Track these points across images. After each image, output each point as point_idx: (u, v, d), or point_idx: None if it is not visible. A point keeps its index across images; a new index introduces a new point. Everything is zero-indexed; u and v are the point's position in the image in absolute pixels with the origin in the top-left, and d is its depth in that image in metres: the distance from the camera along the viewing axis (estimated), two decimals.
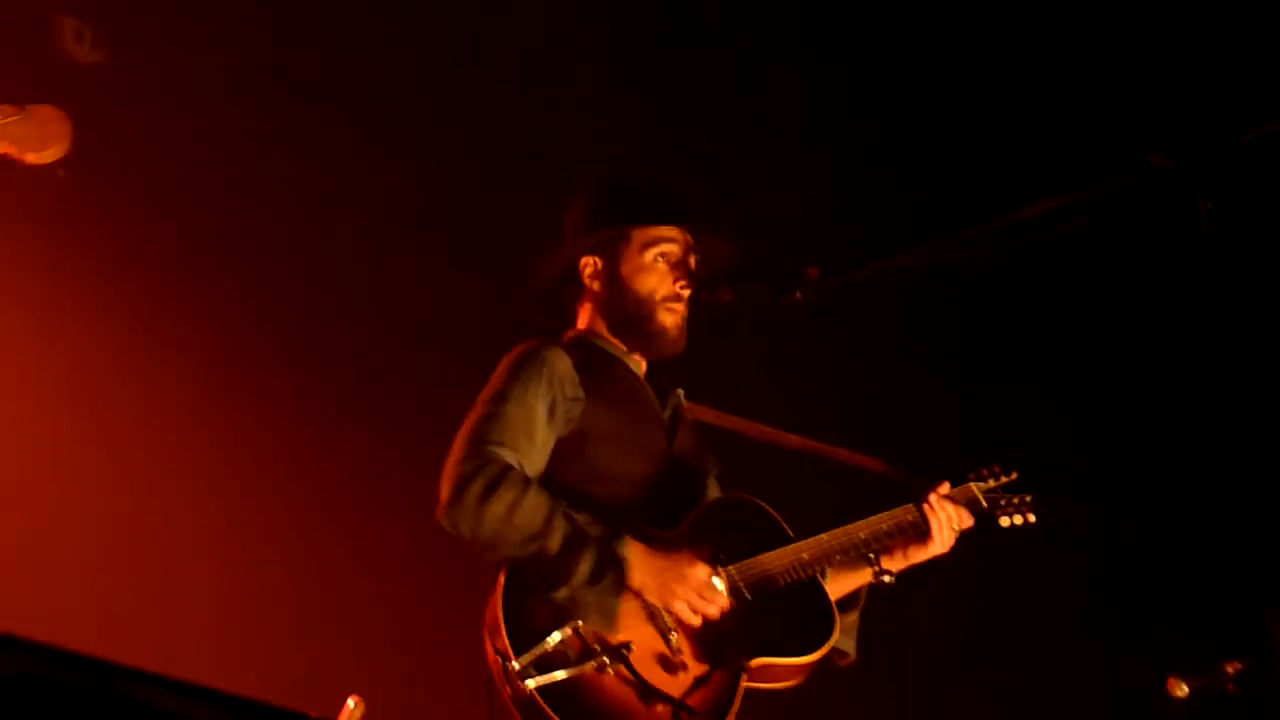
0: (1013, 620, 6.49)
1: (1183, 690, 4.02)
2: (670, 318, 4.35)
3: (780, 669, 4.08)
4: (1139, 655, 5.95)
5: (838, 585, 4.38)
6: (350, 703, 3.86)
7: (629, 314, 4.36)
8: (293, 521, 5.97)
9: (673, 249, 4.38)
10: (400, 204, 6.16)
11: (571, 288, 4.48)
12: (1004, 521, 4.49)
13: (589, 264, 4.40)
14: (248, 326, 6.00)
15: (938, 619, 6.28)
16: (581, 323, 4.48)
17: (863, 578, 4.40)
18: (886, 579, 4.33)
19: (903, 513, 4.36)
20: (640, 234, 4.38)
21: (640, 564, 3.98)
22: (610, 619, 3.89)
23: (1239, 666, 3.99)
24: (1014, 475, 4.55)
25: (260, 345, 6.01)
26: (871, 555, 4.32)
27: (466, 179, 6.26)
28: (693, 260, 4.40)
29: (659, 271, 4.36)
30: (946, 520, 4.33)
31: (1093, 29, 6.24)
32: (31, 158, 3.99)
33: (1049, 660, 6.42)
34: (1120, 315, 6.36)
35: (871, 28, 6.56)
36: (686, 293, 4.36)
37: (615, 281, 4.38)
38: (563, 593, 3.89)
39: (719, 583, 4.03)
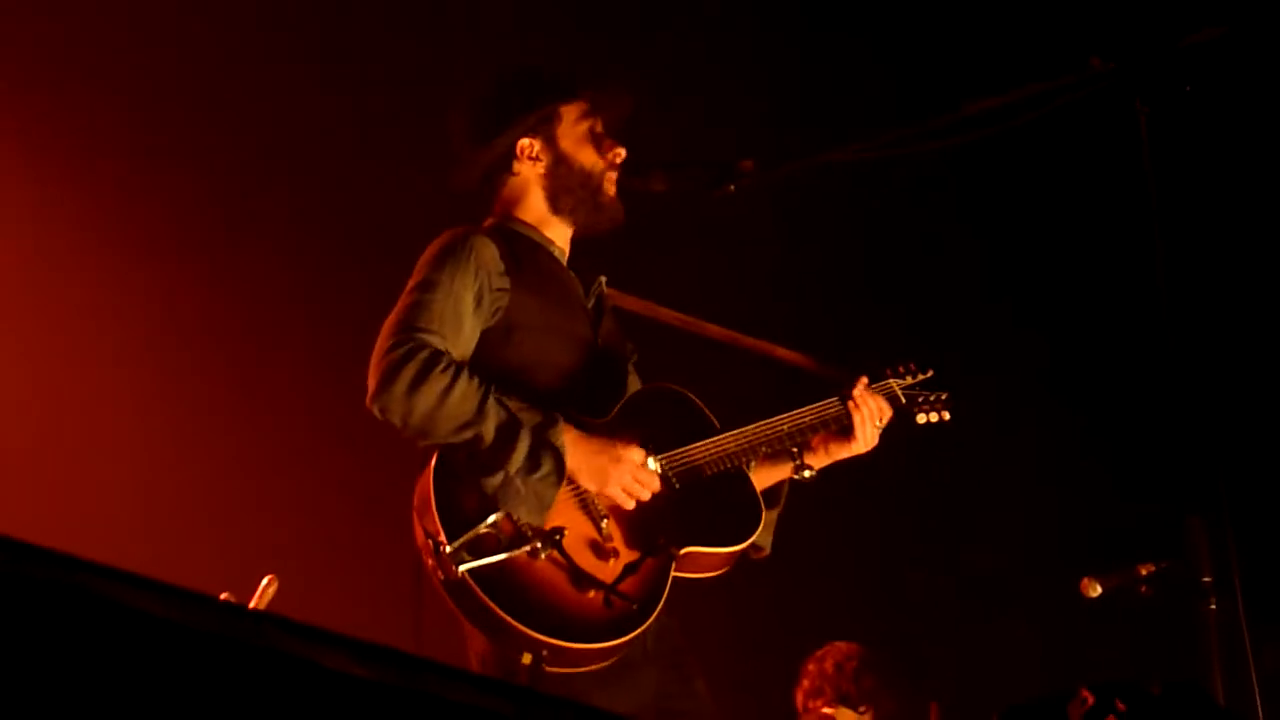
0: (932, 521, 6.56)
1: (1096, 590, 4.06)
2: (612, 186, 4.37)
3: (707, 558, 4.09)
4: (1055, 555, 6.02)
5: (759, 479, 4.36)
6: (264, 580, 4.02)
7: (577, 188, 4.34)
8: (218, 403, 5.98)
9: (600, 119, 4.40)
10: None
11: (491, 182, 4.44)
12: (920, 419, 4.52)
13: (528, 146, 4.36)
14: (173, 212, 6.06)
15: (858, 518, 6.33)
16: (502, 208, 4.43)
17: (784, 472, 4.39)
18: (807, 474, 4.30)
19: (825, 406, 4.37)
20: (570, 110, 4.37)
21: (575, 449, 3.96)
22: (544, 509, 3.87)
23: (1153, 568, 4.03)
24: (929, 373, 4.58)
25: (188, 235, 6.08)
26: (795, 449, 4.31)
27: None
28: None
29: (598, 141, 4.37)
30: (869, 414, 4.34)
31: None
32: None
33: (964, 561, 6.50)
34: (1055, 216, 6.39)
35: None
36: (622, 156, 4.38)
37: (560, 158, 4.35)
38: (497, 479, 3.85)
39: (653, 464, 4.03)
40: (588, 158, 4.35)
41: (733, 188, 4.31)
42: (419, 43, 6.30)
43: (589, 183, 4.35)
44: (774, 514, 4.41)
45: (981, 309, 6.46)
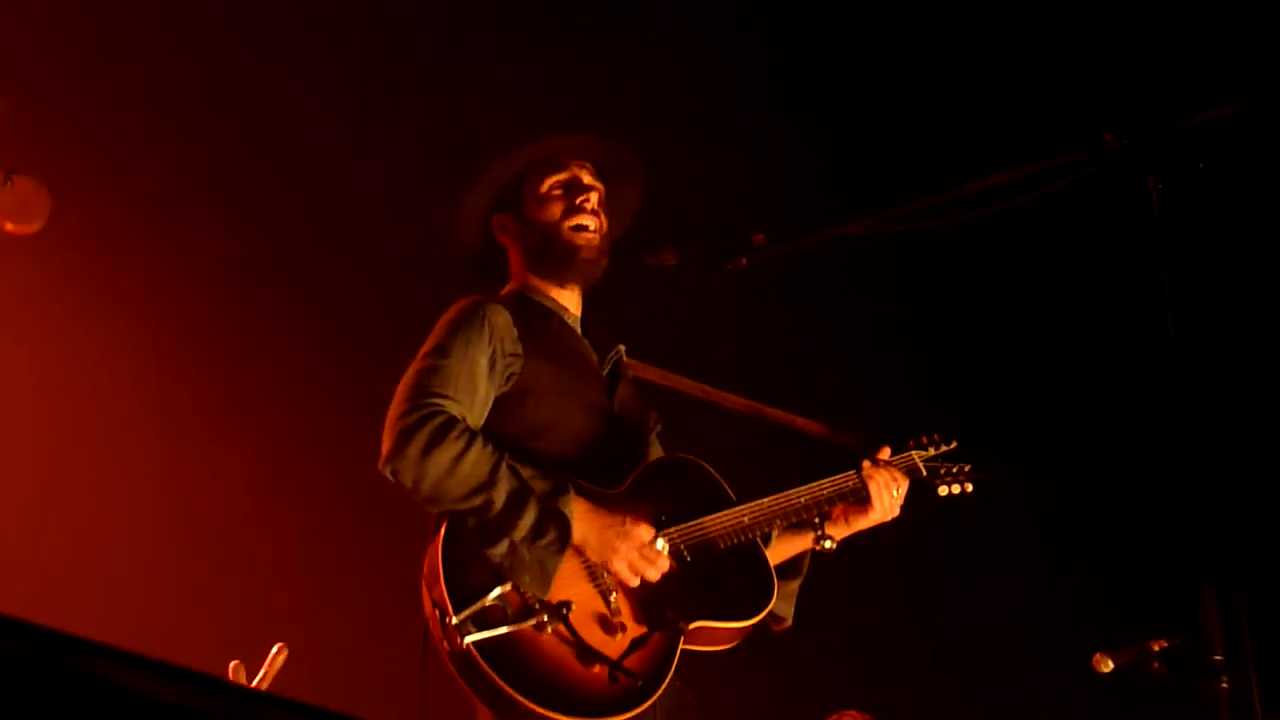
0: (947, 592, 6.53)
1: (1108, 666, 4.03)
2: (580, 235, 4.36)
3: (717, 632, 4.05)
4: (1070, 630, 5.96)
5: (780, 550, 4.36)
6: (274, 649, 4.08)
7: (542, 246, 4.37)
8: (227, 470, 5.94)
9: (562, 175, 4.40)
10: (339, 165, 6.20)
11: (495, 250, 4.51)
12: (942, 491, 4.51)
13: (500, 223, 4.45)
14: (183, 279, 6.03)
15: (874, 588, 6.28)
16: (514, 279, 4.48)
17: (806, 542, 4.37)
18: (827, 544, 4.28)
19: (843, 479, 4.34)
20: (533, 175, 4.41)
21: (583, 521, 3.94)
22: (547, 579, 3.84)
23: (1165, 644, 4.02)
24: (953, 445, 4.56)
25: (194, 302, 6.04)
26: (816, 520, 4.29)
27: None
28: (586, 175, 4.44)
29: (556, 197, 4.37)
30: (885, 485, 4.32)
31: (1050, 4, 6.25)
32: (10, 227, 4.12)
33: (976, 635, 6.46)
34: (1068, 291, 6.36)
35: None
36: (590, 204, 4.38)
37: (526, 224, 4.40)
38: (502, 547, 3.84)
39: (661, 544, 4.00)
40: (547, 214, 4.37)
41: (744, 261, 4.36)
42: (435, 113, 6.31)
43: (548, 236, 4.36)
44: (795, 584, 4.40)
45: (994, 384, 6.43)
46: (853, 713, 5.63)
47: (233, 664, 4.17)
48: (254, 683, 4.11)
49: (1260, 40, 5.72)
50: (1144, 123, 3.95)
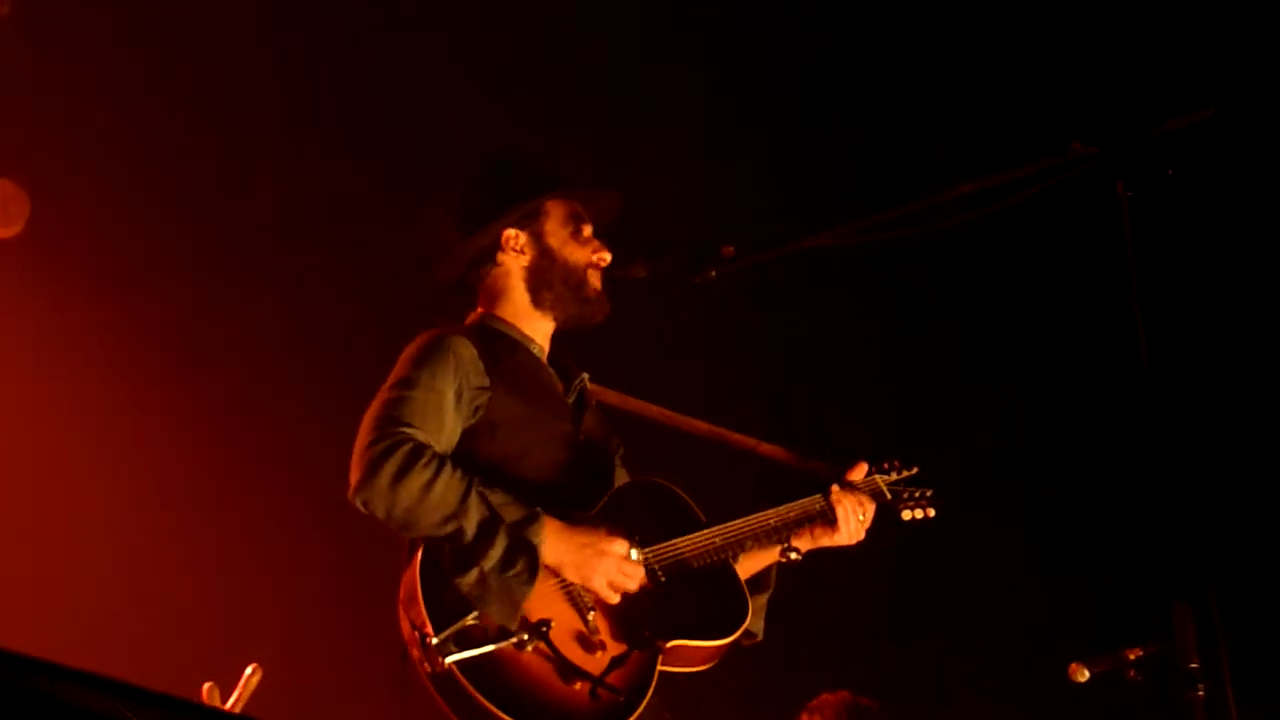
0: (918, 606, 6.52)
1: (1084, 675, 4.02)
2: (598, 282, 4.38)
3: (694, 651, 4.08)
4: (1046, 641, 6.00)
5: (747, 564, 4.37)
6: (247, 670, 4.06)
7: (558, 283, 4.36)
8: (200, 496, 5.97)
9: (586, 224, 4.42)
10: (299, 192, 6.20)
11: (474, 274, 4.45)
12: (906, 515, 4.57)
13: (513, 238, 4.38)
14: (151, 303, 6.04)
15: (841, 601, 6.28)
16: (480, 309, 4.45)
17: (772, 556, 4.40)
18: (793, 555, 4.33)
19: (810, 503, 4.39)
20: (557, 206, 4.41)
21: (557, 541, 3.96)
22: (514, 608, 3.84)
23: (1141, 653, 4.00)
24: (914, 470, 4.63)
25: (164, 325, 6.07)
26: (780, 536, 4.34)
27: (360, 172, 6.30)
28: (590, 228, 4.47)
29: (583, 241, 4.38)
30: (851, 510, 4.38)
31: (1020, 12, 6.24)
32: None
33: (952, 645, 6.46)
34: (1038, 302, 6.37)
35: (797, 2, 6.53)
36: (607, 260, 4.41)
37: (545, 254, 4.37)
38: (471, 576, 3.84)
39: (635, 554, 4.02)
40: (573, 254, 4.37)
41: (714, 273, 4.31)
42: (403, 130, 6.35)
43: (571, 279, 4.37)
44: (764, 598, 4.43)
45: (965, 393, 6.44)
46: (830, 695, 5.60)
47: (206, 686, 4.15)
48: (228, 704, 4.09)
49: (1228, 46, 5.75)
50: (1113, 130, 3.91)
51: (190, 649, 5.49)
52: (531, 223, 4.39)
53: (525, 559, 3.88)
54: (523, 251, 4.39)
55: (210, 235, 6.15)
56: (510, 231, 4.38)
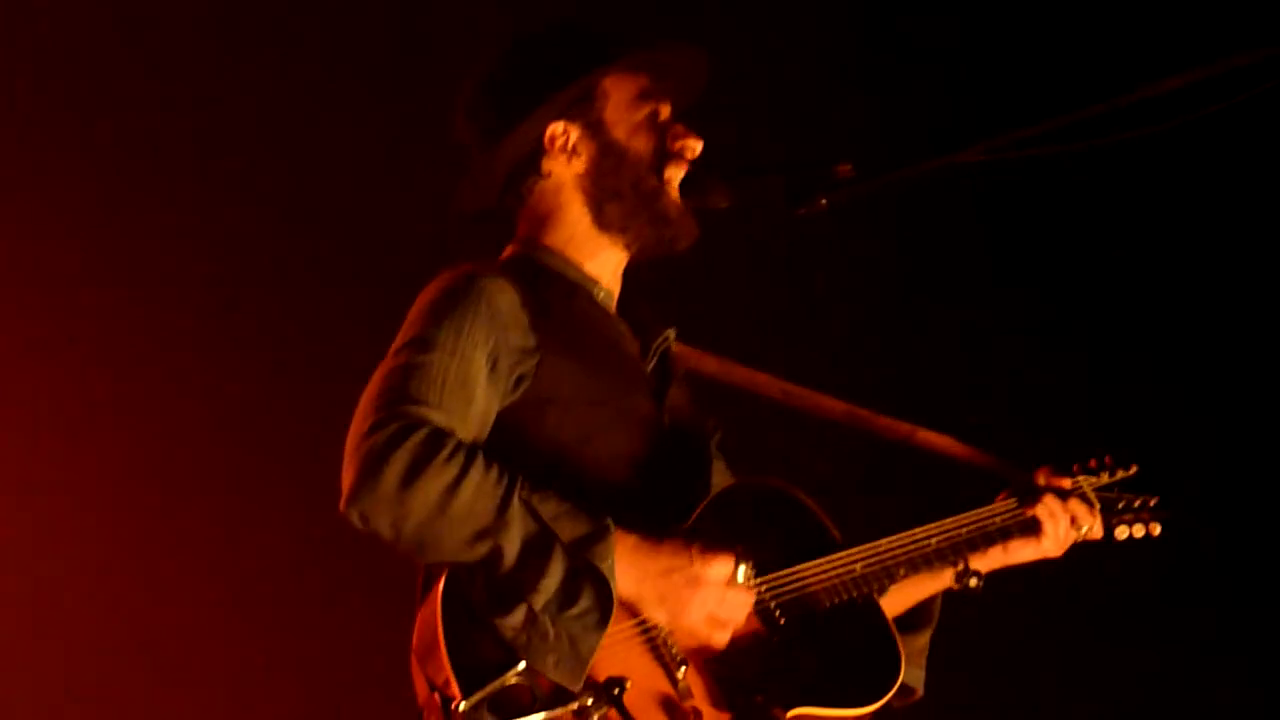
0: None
1: None
2: (679, 182, 3.68)
3: None
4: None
5: (897, 597, 3.76)
6: None
7: (630, 191, 3.64)
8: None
9: (662, 101, 3.69)
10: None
11: (513, 193, 3.71)
12: (1121, 532, 3.98)
13: (561, 135, 3.63)
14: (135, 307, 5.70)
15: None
16: (521, 237, 3.72)
17: (938, 584, 3.81)
18: (974, 581, 3.70)
19: (994, 512, 3.77)
20: (620, 83, 3.66)
21: (634, 568, 3.28)
22: (580, 663, 3.19)
23: None
24: (1133, 470, 4.00)
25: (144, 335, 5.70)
26: (950, 557, 3.73)
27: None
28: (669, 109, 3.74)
29: (659, 126, 3.67)
30: (1055, 512, 3.79)
31: None
32: None
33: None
34: (1244, 244, 5.71)
35: None
36: (697, 150, 3.67)
37: (608, 150, 3.63)
38: (517, 617, 3.16)
39: (742, 576, 3.36)
40: (645, 147, 3.63)
41: (824, 202, 3.63)
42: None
43: (643, 185, 3.63)
44: (925, 637, 3.83)
45: (1184, 383, 5.69)
46: None
47: None
48: None
49: None
50: None
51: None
52: (585, 110, 3.61)
53: (593, 591, 3.21)
54: (575, 152, 3.63)
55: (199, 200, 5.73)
56: (555, 126, 3.61)
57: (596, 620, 3.21)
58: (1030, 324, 5.92)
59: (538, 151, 3.64)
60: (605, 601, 3.21)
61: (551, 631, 3.19)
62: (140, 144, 5.67)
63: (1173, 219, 5.81)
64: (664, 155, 3.65)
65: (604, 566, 3.23)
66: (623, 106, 3.66)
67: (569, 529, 3.26)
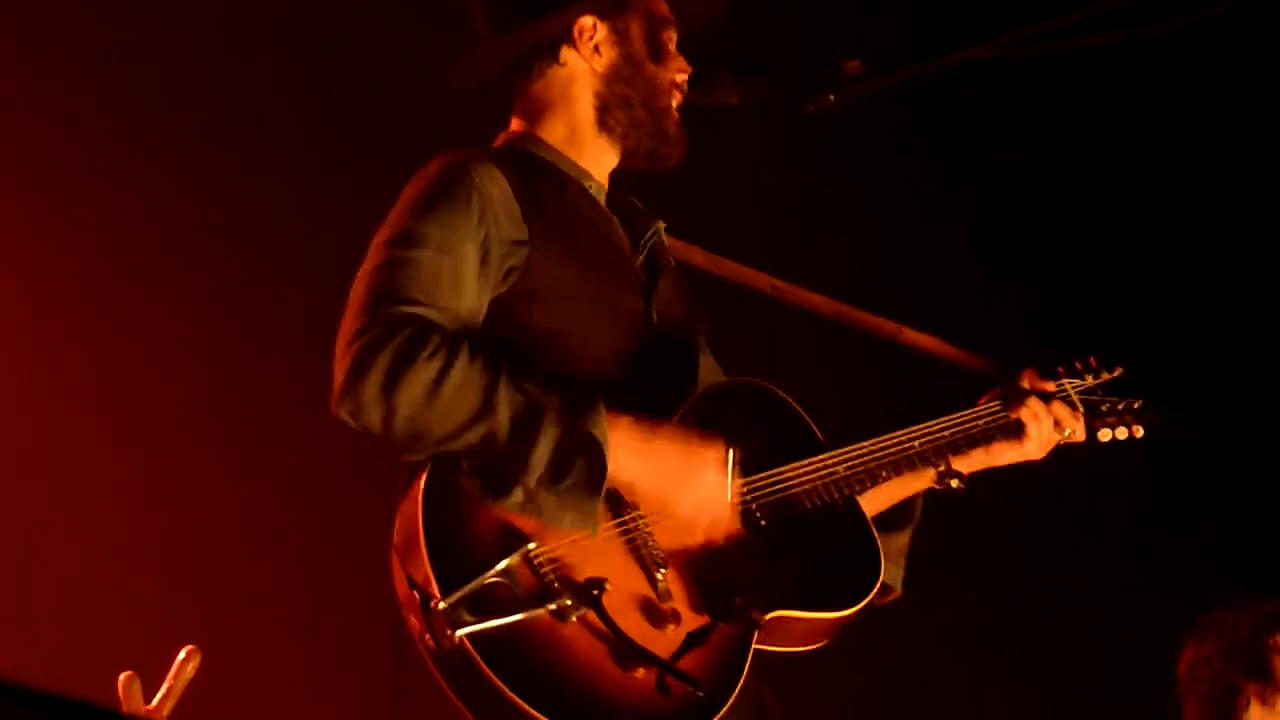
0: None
1: None
2: (677, 115, 3.72)
3: (805, 625, 3.42)
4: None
5: (878, 496, 3.70)
6: (181, 654, 3.59)
7: (638, 103, 3.64)
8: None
9: (674, 24, 3.73)
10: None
11: (522, 71, 3.68)
12: (1104, 434, 3.90)
13: (591, 29, 3.62)
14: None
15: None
16: (516, 125, 3.69)
17: (918, 483, 3.74)
18: (955, 483, 3.65)
19: (978, 415, 3.70)
20: (648, 3, 3.69)
21: (627, 446, 3.26)
22: (588, 520, 3.19)
23: None
24: (1117, 372, 3.94)
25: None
26: (933, 459, 3.69)
27: None
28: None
29: (663, 53, 3.69)
30: (1039, 414, 3.73)
31: None
32: None
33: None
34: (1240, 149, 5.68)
35: None
36: (684, 78, 3.70)
37: (631, 60, 3.64)
38: (517, 497, 3.16)
39: (732, 464, 3.37)
40: (659, 68, 3.67)
41: (832, 99, 3.64)
42: None
43: (654, 101, 3.64)
44: (905, 537, 3.76)
45: (1176, 286, 5.66)
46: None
47: (124, 677, 3.55)
48: (157, 698, 3.53)
49: None
50: None
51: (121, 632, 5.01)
52: (616, 15, 3.64)
53: (585, 462, 3.20)
54: (598, 51, 3.62)
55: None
56: (587, 20, 3.60)
57: (589, 489, 3.19)
58: (1025, 227, 5.89)
59: (560, 39, 3.61)
60: (597, 468, 3.19)
61: (554, 501, 3.17)
62: (140, 140, 5.62)
63: (1172, 121, 5.73)
64: (669, 77, 3.65)
65: (597, 431, 3.21)
66: (648, 23, 3.65)
67: (558, 402, 3.24)
